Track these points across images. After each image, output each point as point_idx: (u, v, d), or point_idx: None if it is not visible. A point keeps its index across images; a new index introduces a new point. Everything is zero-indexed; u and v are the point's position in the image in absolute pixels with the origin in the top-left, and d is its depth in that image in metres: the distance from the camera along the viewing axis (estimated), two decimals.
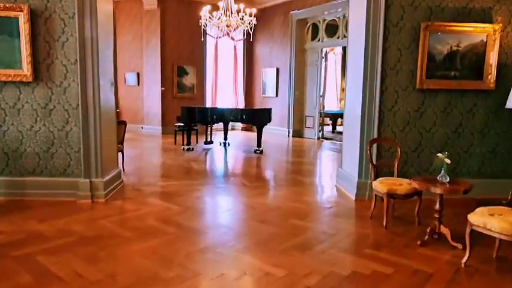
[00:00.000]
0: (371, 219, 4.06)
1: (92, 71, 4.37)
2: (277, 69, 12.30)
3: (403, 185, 3.75)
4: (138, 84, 12.19)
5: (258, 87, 13.21)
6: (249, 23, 8.21)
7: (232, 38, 12.96)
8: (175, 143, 9.57)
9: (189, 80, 12.20)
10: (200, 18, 8.35)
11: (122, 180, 5.31)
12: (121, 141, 6.06)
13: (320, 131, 11.51)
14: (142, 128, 12.18)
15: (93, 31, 4.33)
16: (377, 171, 4.38)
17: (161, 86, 11.69)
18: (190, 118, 8.61)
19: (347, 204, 4.63)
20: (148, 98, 11.98)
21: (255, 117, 8.38)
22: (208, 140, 9.40)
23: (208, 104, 12.72)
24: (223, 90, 13.22)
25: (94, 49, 4.35)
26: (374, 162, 4.40)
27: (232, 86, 13.25)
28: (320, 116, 11.48)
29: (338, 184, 5.49)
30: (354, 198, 4.78)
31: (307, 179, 6.10)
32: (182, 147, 8.76)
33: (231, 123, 11.72)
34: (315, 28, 11.45)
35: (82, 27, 4.28)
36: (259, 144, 8.52)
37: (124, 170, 6.16)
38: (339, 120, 14.45)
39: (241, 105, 13.29)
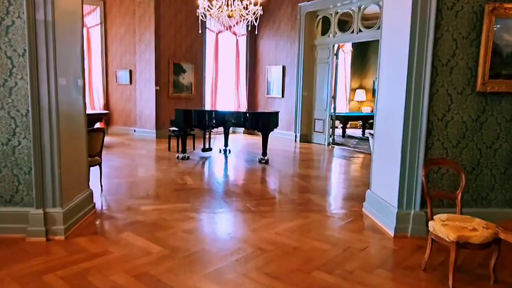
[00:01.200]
0: (424, 271, 2.95)
1: (47, 65, 3.26)
2: (284, 67, 11.18)
3: (478, 230, 2.63)
4: (130, 83, 11.07)
5: (262, 87, 12.09)
6: (254, 13, 7.09)
7: (235, 33, 11.84)
8: (169, 150, 8.47)
9: (187, 78, 11.09)
10: (198, 8, 7.23)
11: (94, 204, 4.20)
12: (97, 153, 4.95)
13: (330, 136, 10.39)
14: (135, 131, 11.07)
15: (48, 12, 3.21)
16: (423, 200, 3.32)
17: (156, 85, 10.57)
18: (186, 122, 7.50)
19: (385, 244, 3.51)
20: (141, 98, 10.87)
21: (260, 122, 7.27)
22: (207, 146, 8.29)
23: (208, 105, 11.62)
24: (224, 89, 12.10)
25: (49, 36, 3.24)
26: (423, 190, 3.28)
27: (233, 85, 12.13)
28: (331, 119, 10.36)
29: (367, 210, 4.37)
30: (392, 234, 3.67)
31: (325, 201, 4.99)
32: (176, 155, 7.65)
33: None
34: (326, 22, 10.31)
35: (31, 6, 3.17)
36: (264, 153, 7.42)
37: (102, 187, 5.07)
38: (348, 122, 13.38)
39: (244, 106, 12.18)
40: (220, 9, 7.07)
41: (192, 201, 4.68)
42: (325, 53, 10.28)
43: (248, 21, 7.26)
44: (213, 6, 7.05)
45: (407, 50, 3.53)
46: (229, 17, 7.09)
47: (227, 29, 11.55)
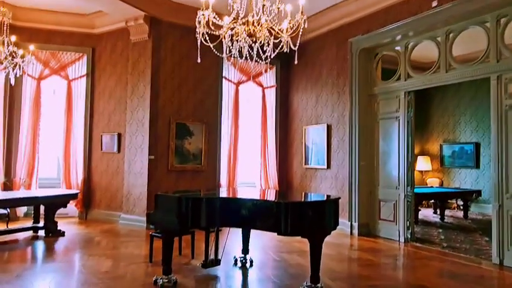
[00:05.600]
0: None
1: None
2: (329, 127, 7.98)
3: None
4: (119, 151, 8.11)
5: (298, 155, 8.83)
6: (293, 27, 4.05)
7: (260, 84, 8.94)
8: (151, 260, 5.08)
9: (194, 143, 8.05)
10: (196, 28, 4.26)
11: None
12: None
13: (408, 228, 6.73)
14: (120, 217, 7.84)
15: None
16: None
17: (149, 154, 7.54)
18: (176, 220, 4.18)
19: None
20: (129, 171, 7.80)
21: (306, 222, 3.85)
22: (211, 257, 4.82)
23: (223, 180, 8.38)
24: (247, 158, 8.93)
25: None
26: None
27: (259, 153, 8.93)
28: (407, 200, 6.79)
29: None
30: None
31: None
32: (154, 278, 4.23)
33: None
34: (390, 61, 7.27)
35: None
36: (315, 278, 3.91)
37: None
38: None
39: (273, 181, 8.84)
40: (234, 26, 4.08)
41: None
42: (392, 105, 7.05)
43: (282, 46, 4.21)
44: (221, 19, 4.09)
45: None
46: (249, 36, 4.07)
47: (251, 79, 8.71)
